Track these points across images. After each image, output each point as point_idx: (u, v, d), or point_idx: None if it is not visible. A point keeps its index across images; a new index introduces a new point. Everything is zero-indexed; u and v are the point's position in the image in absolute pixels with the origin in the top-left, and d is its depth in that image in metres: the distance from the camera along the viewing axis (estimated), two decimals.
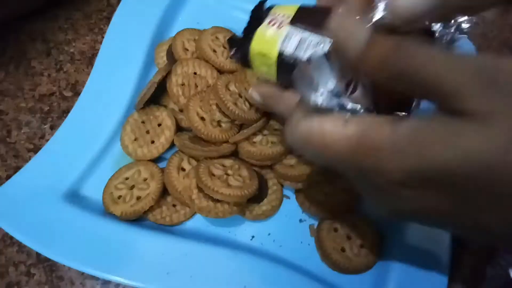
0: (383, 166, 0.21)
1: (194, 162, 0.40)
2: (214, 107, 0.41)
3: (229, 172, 0.39)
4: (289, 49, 0.29)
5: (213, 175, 0.38)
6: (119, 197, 0.39)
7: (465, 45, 0.47)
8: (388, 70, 0.21)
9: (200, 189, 0.37)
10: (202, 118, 0.41)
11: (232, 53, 0.33)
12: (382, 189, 0.22)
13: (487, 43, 0.51)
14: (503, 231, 0.21)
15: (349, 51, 0.22)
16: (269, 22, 0.30)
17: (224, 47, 0.45)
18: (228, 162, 0.40)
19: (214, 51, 0.44)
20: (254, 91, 0.33)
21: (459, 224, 0.23)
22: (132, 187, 0.39)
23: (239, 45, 0.32)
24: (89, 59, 0.49)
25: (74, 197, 0.39)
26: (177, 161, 0.40)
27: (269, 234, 0.40)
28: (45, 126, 0.45)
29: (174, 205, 0.40)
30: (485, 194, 0.20)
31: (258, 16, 0.32)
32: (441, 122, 0.20)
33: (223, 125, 0.41)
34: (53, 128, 0.45)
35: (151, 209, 0.39)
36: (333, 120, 0.22)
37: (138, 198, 0.39)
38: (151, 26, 0.47)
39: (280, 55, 0.29)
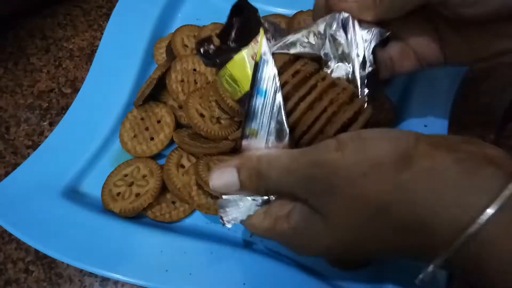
0: (293, 249, 0.29)
1: (193, 159, 0.40)
2: (213, 103, 0.41)
3: None
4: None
5: None
6: (118, 194, 0.39)
7: None
8: (260, 192, 0.29)
9: (199, 186, 0.37)
10: (202, 115, 0.41)
11: (201, 53, 0.33)
12: None
13: None
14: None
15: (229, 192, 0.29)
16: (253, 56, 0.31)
17: None
18: (228, 159, 0.40)
19: None
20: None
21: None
22: (131, 184, 0.39)
23: (214, 52, 0.32)
24: (88, 56, 0.49)
25: (73, 194, 0.39)
26: (177, 158, 0.40)
27: None
28: (44, 123, 0.45)
29: (173, 202, 0.40)
30: None
31: (242, 20, 0.32)
32: (309, 220, 0.26)
33: (222, 121, 0.41)
34: (52, 124, 0.45)
35: (150, 206, 0.39)
36: (256, 216, 0.29)
37: (137, 195, 0.39)
38: (150, 22, 0.47)
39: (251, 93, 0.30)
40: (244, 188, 0.28)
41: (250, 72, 0.30)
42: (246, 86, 0.30)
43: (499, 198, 0.20)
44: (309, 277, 0.36)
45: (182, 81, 0.43)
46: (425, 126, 0.43)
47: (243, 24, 0.32)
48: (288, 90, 0.30)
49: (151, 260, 0.36)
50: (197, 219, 0.40)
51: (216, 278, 0.35)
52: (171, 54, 0.45)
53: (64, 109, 0.45)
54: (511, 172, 0.21)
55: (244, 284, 0.35)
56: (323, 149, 0.25)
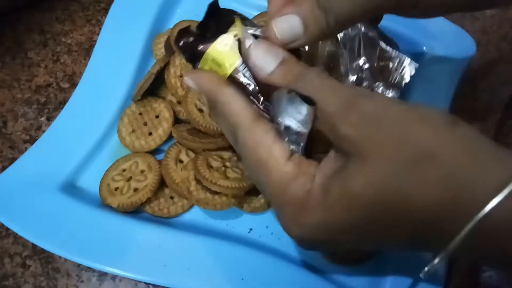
0: (297, 218, 0.25)
1: (192, 154, 0.40)
2: None
3: (227, 164, 0.38)
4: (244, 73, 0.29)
5: (211, 167, 0.38)
6: (116, 188, 0.39)
7: (466, 40, 0.47)
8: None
9: (198, 181, 0.37)
10: (200, 110, 0.40)
11: (180, 45, 0.32)
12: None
13: (487, 37, 0.51)
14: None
15: (259, 72, 0.26)
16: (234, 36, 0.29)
17: None
18: (226, 154, 0.40)
19: None
20: (189, 78, 0.30)
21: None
22: (129, 179, 0.39)
23: (194, 42, 0.31)
24: (87, 51, 0.49)
25: (71, 188, 0.39)
26: (175, 153, 0.40)
27: (267, 226, 0.39)
28: (41, 118, 0.45)
29: (171, 197, 0.39)
30: (373, 228, 0.24)
31: (219, 16, 0.31)
32: (337, 175, 0.23)
33: None
34: (50, 119, 0.45)
35: (148, 201, 0.38)
36: (281, 149, 0.25)
37: (136, 189, 0.38)
38: (149, 17, 0.47)
39: (235, 72, 0.29)
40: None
41: (233, 51, 0.29)
42: (233, 61, 0.29)
43: None
44: (307, 272, 0.36)
45: (181, 76, 0.42)
46: None
47: (220, 20, 0.31)
48: None
49: (149, 255, 0.36)
50: (195, 214, 0.40)
51: (214, 273, 0.35)
52: (170, 49, 0.45)
53: (62, 104, 0.45)
54: None
55: (242, 279, 0.35)
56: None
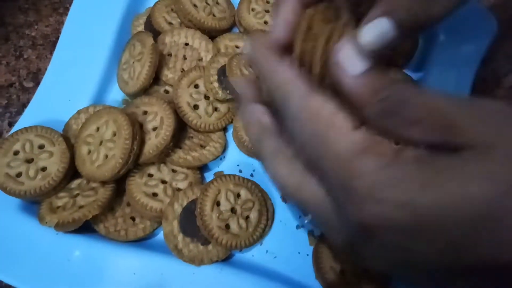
0: (377, 192, 0.19)
1: (165, 169, 0.35)
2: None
3: (238, 208, 0.33)
4: None
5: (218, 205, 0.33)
6: (58, 207, 0.32)
7: (487, 18, 0.42)
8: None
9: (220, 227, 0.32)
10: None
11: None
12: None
13: (507, 15, 0.46)
14: None
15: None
16: None
17: (207, 3, 0.41)
18: (244, 193, 0.34)
19: (195, 5, 0.40)
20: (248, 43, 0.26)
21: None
22: (75, 196, 0.33)
23: None
24: (53, 44, 0.43)
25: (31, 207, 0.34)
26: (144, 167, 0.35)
27: (261, 244, 0.34)
28: (2, 123, 0.39)
29: (132, 218, 0.34)
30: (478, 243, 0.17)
31: None
32: (438, 160, 0.18)
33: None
34: (11, 125, 0.39)
35: (103, 219, 0.33)
36: (345, 119, 0.20)
37: (81, 207, 0.32)
38: None
39: None
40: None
41: None
42: None
43: None
44: None
45: (169, 55, 0.39)
46: None
47: None
48: None
49: (122, 284, 0.30)
50: None
51: None
52: (152, 29, 0.40)
53: (25, 106, 0.40)
54: None
55: None
56: None
